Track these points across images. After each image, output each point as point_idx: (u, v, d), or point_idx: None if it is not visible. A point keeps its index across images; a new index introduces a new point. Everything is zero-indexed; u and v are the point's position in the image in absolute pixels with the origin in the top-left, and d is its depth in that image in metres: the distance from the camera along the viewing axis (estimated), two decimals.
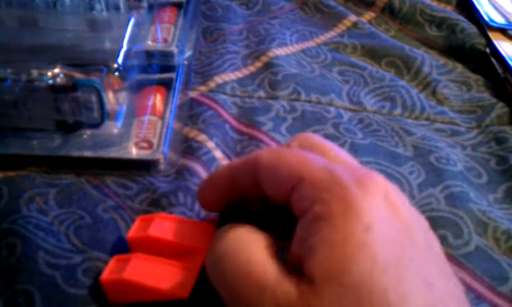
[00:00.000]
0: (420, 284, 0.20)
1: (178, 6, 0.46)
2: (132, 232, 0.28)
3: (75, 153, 0.34)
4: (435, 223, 0.32)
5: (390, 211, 0.21)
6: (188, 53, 0.43)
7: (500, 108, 0.42)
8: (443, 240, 0.31)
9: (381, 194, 0.21)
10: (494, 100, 0.42)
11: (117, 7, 0.40)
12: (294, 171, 0.23)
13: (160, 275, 0.25)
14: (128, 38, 0.36)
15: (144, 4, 0.43)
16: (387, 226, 0.21)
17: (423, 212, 0.33)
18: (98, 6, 0.40)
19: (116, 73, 0.33)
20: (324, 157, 0.24)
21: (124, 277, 0.25)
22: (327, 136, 0.38)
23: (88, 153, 0.34)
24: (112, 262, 0.27)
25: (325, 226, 0.20)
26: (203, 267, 0.25)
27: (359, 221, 0.20)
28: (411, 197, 0.34)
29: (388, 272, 0.19)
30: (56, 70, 0.33)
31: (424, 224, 0.23)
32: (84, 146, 0.34)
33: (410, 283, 0.19)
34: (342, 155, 0.25)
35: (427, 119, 0.41)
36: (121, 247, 0.29)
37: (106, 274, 0.26)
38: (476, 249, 0.31)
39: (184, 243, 0.26)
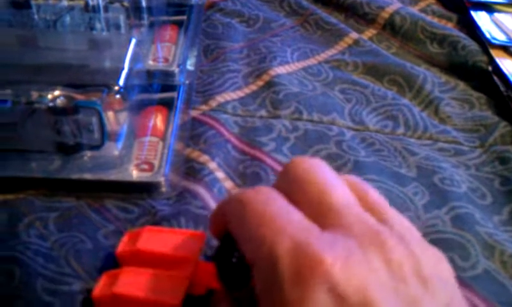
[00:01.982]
0: None
1: (179, 24, 0.46)
2: (121, 247, 0.28)
3: (75, 176, 0.33)
4: (442, 245, 0.31)
5: (336, 302, 0.18)
6: (189, 72, 0.43)
7: (503, 127, 0.41)
8: (450, 262, 0.30)
9: (324, 288, 0.18)
10: (497, 119, 0.42)
11: (118, 27, 0.40)
12: (249, 246, 0.21)
13: (150, 285, 0.25)
14: (129, 58, 0.36)
15: (145, 23, 0.43)
16: None
17: (429, 233, 0.32)
18: (98, 25, 0.40)
19: (118, 95, 0.33)
20: (361, 201, 0.23)
21: (115, 291, 0.25)
22: (330, 155, 0.38)
23: (87, 176, 0.33)
24: (103, 278, 0.27)
25: None
26: (192, 274, 0.25)
27: None
28: (417, 218, 0.33)
29: None
30: (57, 92, 0.32)
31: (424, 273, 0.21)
32: (84, 168, 0.34)
33: None
34: (376, 203, 0.24)
35: (430, 138, 0.41)
36: (111, 263, 0.28)
37: (98, 291, 0.26)
38: (484, 272, 0.30)
39: (172, 253, 0.27)
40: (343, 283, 0.18)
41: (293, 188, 0.23)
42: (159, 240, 0.27)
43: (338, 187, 0.23)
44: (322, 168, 0.24)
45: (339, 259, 0.19)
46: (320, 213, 0.22)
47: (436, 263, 0.22)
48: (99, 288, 0.26)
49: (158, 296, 0.25)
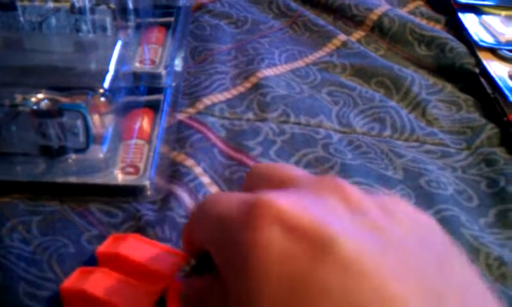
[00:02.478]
0: None
1: (166, 25, 0.46)
2: (103, 247, 0.28)
3: (60, 179, 0.33)
4: None
5: (290, 240, 0.17)
6: (176, 74, 0.43)
7: (489, 129, 0.41)
8: None
9: (276, 228, 0.18)
10: (484, 121, 0.42)
11: (104, 29, 0.40)
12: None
13: (120, 293, 0.25)
14: (115, 60, 0.35)
15: (132, 25, 0.43)
16: (287, 267, 0.17)
17: None
18: (84, 27, 0.39)
19: (103, 98, 0.33)
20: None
21: (84, 288, 0.25)
22: (317, 158, 0.38)
23: (72, 179, 0.33)
24: (76, 273, 0.26)
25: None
26: (163, 291, 0.25)
27: (250, 283, 0.17)
28: None
29: None
30: (41, 95, 0.32)
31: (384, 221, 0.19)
32: (68, 171, 0.33)
33: None
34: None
35: (417, 140, 0.41)
36: (89, 261, 0.28)
37: (67, 283, 0.26)
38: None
39: (150, 266, 0.26)
40: (296, 219, 0.18)
41: (258, 183, 0.23)
42: (141, 249, 0.27)
43: (300, 170, 0.23)
44: (287, 165, 0.24)
45: (290, 200, 0.19)
46: (280, 184, 0.21)
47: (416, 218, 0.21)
48: (69, 281, 0.26)
49: (123, 304, 0.24)
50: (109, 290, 0.25)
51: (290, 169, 0.23)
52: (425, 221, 0.20)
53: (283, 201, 0.18)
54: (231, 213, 0.19)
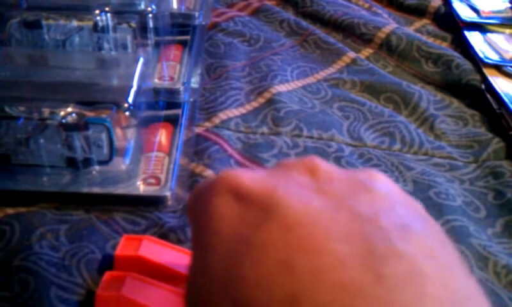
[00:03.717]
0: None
1: (183, 43, 0.48)
2: (120, 250, 0.29)
3: (85, 190, 0.34)
4: None
5: (242, 206, 0.19)
6: (193, 90, 0.44)
7: (496, 143, 0.43)
8: None
9: (230, 195, 0.19)
10: (490, 135, 0.44)
11: (125, 46, 0.42)
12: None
13: (154, 296, 0.26)
14: (138, 76, 0.37)
15: (151, 42, 0.45)
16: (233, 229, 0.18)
17: None
18: (106, 45, 0.41)
19: (127, 112, 0.34)
20: None
21: (122, 294, 0.26)
22: None
23: (96, 190, 0.34)
24: (106, 278, 0.27)
25: None
26: None
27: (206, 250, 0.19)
28: None
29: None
30: (69, 109, 0.34)
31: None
32: (93, 182, 0.35)
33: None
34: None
35: (426, 154, 0.42)
36: (106, 263, 0.29)
37: (102, 290, 0.27)
38: (478, 283, 0.31)
39: (173, 268, 0.27)
40: (248, 188, 0.19)
41: None
42: (158, 251, 0.28)
43: None
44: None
45: (251, 174, 0.20)
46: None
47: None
48: (104, 287, 0.27)
49: None
50: (145, 294, 0.26)
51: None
52: (400, 199, 0.19)
53: (241, 174, 0.20)
54: (205, 184, 0.21)
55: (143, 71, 0.38)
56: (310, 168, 0.20)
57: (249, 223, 0.18)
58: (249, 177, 0.19)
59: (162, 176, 0.36)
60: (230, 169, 0.21)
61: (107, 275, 0.27)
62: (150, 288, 0.26)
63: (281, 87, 0.47)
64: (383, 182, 0.20)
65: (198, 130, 0.41)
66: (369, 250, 0.16)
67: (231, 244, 0.18)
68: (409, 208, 0.19)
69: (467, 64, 0.50)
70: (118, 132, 0.35)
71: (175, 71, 0.44)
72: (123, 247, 0.29)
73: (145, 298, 0.26)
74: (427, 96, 0.48)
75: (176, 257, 0.28)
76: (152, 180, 0.36)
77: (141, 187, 0.35)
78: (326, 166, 0.20)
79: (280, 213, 0.17)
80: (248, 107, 0.45)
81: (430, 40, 0.55)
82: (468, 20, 0.57)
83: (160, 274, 0.27)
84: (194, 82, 0.45)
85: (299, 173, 0.20)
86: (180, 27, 0.49)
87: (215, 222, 0.19)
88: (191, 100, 0.43)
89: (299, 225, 0.17)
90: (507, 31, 0.56)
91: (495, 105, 0.46)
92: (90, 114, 0.34)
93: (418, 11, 0.61)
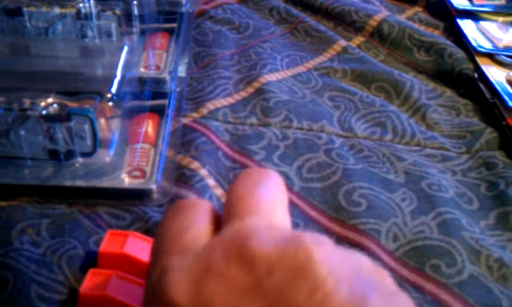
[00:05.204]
0: None
1: (170, 31, 0.47)
2: (104, 246, 0.28)
3: (67, 183, 0.33)
4: (428, 252, 0.32)
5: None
6: (180, 79, 0.43)
7: (489, 133, 0.42)
8: (436, 269, 0.31)
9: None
10: (483, 125, 0.43)
11: (109, 34, 0.40)
12: None
13: (140, 297, 0.25)
14: (122, 65, 0.36)
15: (136, 30, 0.43)
16: None
17: (416, 240, 0.33)
18: (90, 33, 0.40)
19: (110, 103, 0.33)
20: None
21: (106, 293, 0.25)
22: (319, 164, 0.38)
23: (80, 183, 0.33)
24: (90, 276, 0.26)
25: None
26: None
27: None
28: (404, 224, 0.34)
29: None
30: (50, 99, 0.33)
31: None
32: (76, 175, 0.34)
33: None
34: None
35: (418, 144, 0.41)
36: (89, 260, 0.28)
37: (85, 289, 0.26)
38: (469, 277, 0.31)
39: None
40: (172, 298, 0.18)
41: (226, 209, 0.22)
42: (144, 248, 0.27)
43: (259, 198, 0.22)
44: (263, 188, 0.22)
45: (185, 281, 0.18)
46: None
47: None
48: (87, 286, 0.26)
49: None
50: (130, 293, 0.25)
51: (250, 203, 0.21)
52: (342, 274, 0.18)
53: (178, 282, 0.18)
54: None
55: (127, 60, 0.37)
56: (247, 260, 0.18)
57: None
58: (184, 292, 0.18)
59: (148, 169, 0.35)
60: (167, 269, 0.19)
61: (91, 273, 0.27)
62: (135, 287, 0.26)
63: (271, 77, 0.46)
64: (319, 259, 0.18)
65: (185, 120, 0.40)
66: None
67: None
68: (354, 284, 0.17)
69: (460, 53, 0.50)
70: (101, 122, 0.34)
71: (161, 60, 0.43)
72: (108, 243, 0.28)
73: (131, 298, 0.25)
74: (419, 86, 0.47)
75: None
76: (137, 173, 0.35)
77: (125, 180, 0.34)
78: (260, 251, 0.18)
79: None
80: (237, 97, 0.44)
81: (422, 28, 0.55)
82: (461, 7, 0.56)
83: (146, 272, 0.27)
84: (181, 71, 0.44)
85: (235, 268, 0.18)
86: (167, 15, 0.48)
87: None
88: (178, 89, 0.42)
89: None
90: (500, 18, 0.55)
91: (487, 95, 0.45)
92: (73, 104, 0.33)
93: None
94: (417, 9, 0.59)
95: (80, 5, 0.39)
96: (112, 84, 0.34)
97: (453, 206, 0.35)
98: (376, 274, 0.19)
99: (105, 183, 0.34)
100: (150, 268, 0.20)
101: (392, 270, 0.31)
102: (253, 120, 0.41)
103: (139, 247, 0.28)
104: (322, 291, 0.17)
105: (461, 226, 0.34)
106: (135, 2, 0.42)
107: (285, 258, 0.18)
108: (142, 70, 0.41)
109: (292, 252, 0.18)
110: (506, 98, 0.44)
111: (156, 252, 0.20)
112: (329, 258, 0.18)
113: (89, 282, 0.26)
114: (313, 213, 0.35)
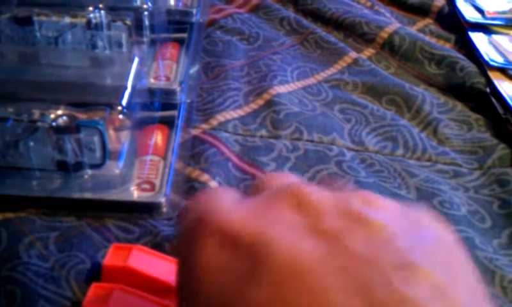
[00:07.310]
0: None
1: (180, 41, 0.46)
2: (108, 259, 0.28)
3: (76, 195, 0.33)
4: None
5: (227, 255, 0.17)
6: (190, 90, 0.43)
7: (501, 149, 0.42)
8: None
9: (215, 241, 0.18)
10: (495, 141, 0.42)
11: (119, 45, 0.40)
12: None
13: None
14: (132, 77, 0.36)
15: (147, 40, 0.43)
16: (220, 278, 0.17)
17: None
18: (100, 43, 0.40)
19: (121, 115, 0.33)
20: None
21: None
22: (331, 175, 0.38)
23: (88, 195, 0.33)
24: (93, 290, 0.26)
25: None
26: None
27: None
28: None
29: None
30: (59, 111, 0.32)
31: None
32: (84, 187, 0.33)
33: None
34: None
35: (429, 160, 0.41)
36: (94, 273, 0.28)
37: (88, 303, 0.25)
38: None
39: (162, 280, 0.26)
40: (235, 231, 0.18)
41: (253, 190, 0.23)
42: (148, 262, 0.27)
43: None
44: (291, 176, 0.23)
45: (235, 213, 0.18)
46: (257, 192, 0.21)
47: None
48: (90, 300, 0.26)
49: None
50: None
51: (285, 179, 0.22)
52: (400, 224, 0.18)
53: (226, 214, 0.18)
54: (190, 224, 0.20)
55: (137, 71, 0.37)
56: (299, 201, 0.18)
57: (236, 276, 0.16)
58: (235, 218, 0.18)
59: (157, 181, 0.35)
60: (214, 204, 0.19)
61: (94, 286, 0.26)
62: (138, 301, 0.25)
63: (281, 88, 0.46)
64: (377, 208, 0.18)
65: (194, 132, 0.40)
66: (370, 300, 0.15)
67: (215, 300, 0.16)
68: (411, 234, 0.17)
69: (471, 67, 0.49)
70: (111, 134, 0.34)
71: (172, 71, 0.43)
72: (112, 256, 0.28)
73: None
74: (430, 99, 0.46)
75: (167, 268, 0.27)
76: (147, 185, 0.34)
77: (134, 193, 0.34)
78: (314, 196, 0.18)
79: (269, 265, 0.16)
80: (247, 109, 0.43)
81: (433, 41, 0.54)
82: (473, 20, 0.55)
83: (149, 285, 0.26)
84: (191, 82, 0.44)
85: (288, 208, 0.18)
86: (177, 25, 0.47)
87: (199, 272, 0.17)
88: (188, 100, 0.42)
89: (292, 278, 0.16)
90: None
91: (500, 110, 0.45)
92: (82, 116, 0.33)
93: (421, 11, 0.60)
94: (428, 21, 0.58)
95: (91, 15, 0.39)
96: (123, 96, 0.34)
97: (466, 225, 0.35)
98: (435, 229, 0.19)
99: (114, 195, 0.33)
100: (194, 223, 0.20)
101: None
102: (263, 132, 0.41)
103: (143, 260, 0.27)
104: (379, 238, 0.17)
105: (474, 245, 0.33)
106: (146, 12, 0.42)
107: (340, 206, 0.18)
108: (152, 80, 0.41)
109: (345, 202, 0.18)
110: None
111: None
112: (384, 210, 0.18)
113: (92, 296, 0.26)
114: None
